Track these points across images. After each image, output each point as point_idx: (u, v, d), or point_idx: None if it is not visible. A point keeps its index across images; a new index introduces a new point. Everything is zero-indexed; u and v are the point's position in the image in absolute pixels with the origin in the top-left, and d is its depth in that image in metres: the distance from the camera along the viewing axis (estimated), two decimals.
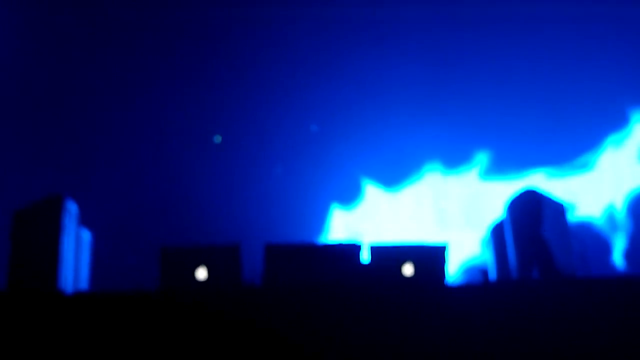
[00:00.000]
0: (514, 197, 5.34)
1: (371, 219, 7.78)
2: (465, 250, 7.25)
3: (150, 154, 7.83)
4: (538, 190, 5.30)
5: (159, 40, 7.90)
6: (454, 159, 7.97)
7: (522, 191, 5.33)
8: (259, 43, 8.11)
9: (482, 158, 7.95)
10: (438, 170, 7.87)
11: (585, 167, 7.89)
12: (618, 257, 7.59)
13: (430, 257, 5.03)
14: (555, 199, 5.47)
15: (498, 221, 5.52)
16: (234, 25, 8.08)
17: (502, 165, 7.88)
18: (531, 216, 5.22)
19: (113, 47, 7.87)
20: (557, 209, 5.42)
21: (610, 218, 7.74)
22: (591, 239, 7.52)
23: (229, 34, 8.07)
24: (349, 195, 7.85)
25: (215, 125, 7.87)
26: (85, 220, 5.58)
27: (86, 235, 5.59)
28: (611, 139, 7.89)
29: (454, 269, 5.62)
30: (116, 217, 7.48)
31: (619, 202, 7.77)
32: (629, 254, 7.58)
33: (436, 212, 7.88)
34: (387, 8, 8.10)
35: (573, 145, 7.98)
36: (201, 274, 5.05)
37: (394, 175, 7.87)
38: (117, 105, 7.83)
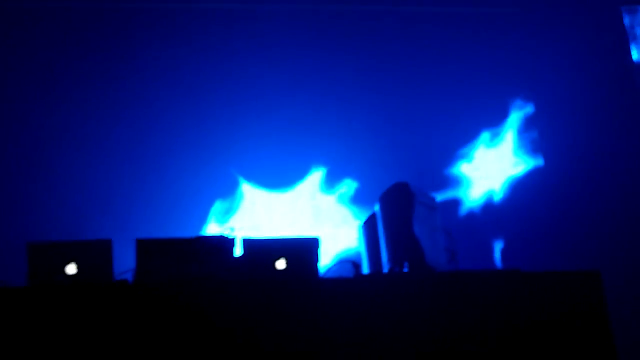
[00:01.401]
0: (385, 190, 5.40)
1: (248, 216, 7.78)
2: (340, 244, 7.32)
3: (19, 148, 7.68)
4: (409, 185, 5.36)
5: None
6: (335, 162, 8.03)
7: (393, 185, 5.39)
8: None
9: (360, 159, 8.03)
10: (320, 171, 7.93)
11: (464, 159, 8.04)
12: (496, 251, 7.78)
13: (302, 250, 5.05)
14: (426, 194, 5.55)
15: (370, 214, 5.57)
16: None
17: (381, 165, 7.97)
18: (401, 210, 5.28)
19: None
20: (428, 204, 5.51)
21: (489, 211, 7.93)
22: (468, 234, 7.68)
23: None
24: (227, 194, 7.84)
25: (84, 117, 7.74)
26: None
27: None
28: (488, 131, 8.07)
29: (327, 263, 5.66)
30: None
31: (497, 193, 7.96)
32: (505, 249, 7.76)
33: (313, 209, 7.92)
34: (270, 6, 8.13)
35: (451, 138, 8.13)
36: (71, 269, 4.96)
37: (274, 176, 7.90)
38: None
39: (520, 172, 8.08)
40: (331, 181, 8.00)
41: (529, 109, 8.29)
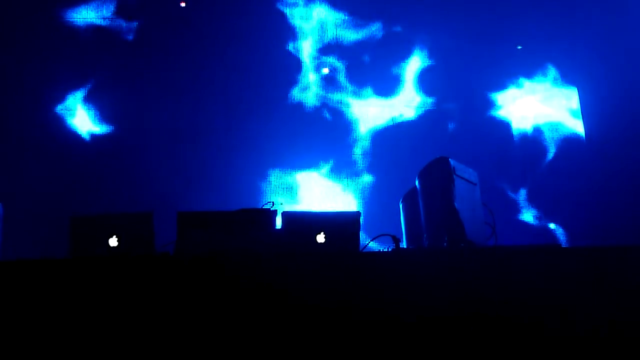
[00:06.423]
0: (425, 165, 5.37)
1: (291, 193, 7.82)
2: (381, 218, 7.31)
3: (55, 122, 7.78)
4: (449, 159, 5.33)
5: None
6: (377, 137, 8.05)
7: (433, 160, 5.36)
8: None
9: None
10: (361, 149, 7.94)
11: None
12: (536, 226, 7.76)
13: (343, 224, 5.03)
14: (466, 168, 5.52)
15: (410, 189, 5.55)
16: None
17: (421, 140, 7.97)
18: (441, 185, 5.25)
19: None
20: (468, 179, 5.48)
21: (530, 183, 7.93)
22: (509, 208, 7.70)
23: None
24: (270, 171, 7.89)
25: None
26: None
27: None
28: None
29: (368, 237, 5.65)
30: (26, 187, 7.40)
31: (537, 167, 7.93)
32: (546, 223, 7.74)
33: (355, 186, 7.94)
34: None
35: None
36: (113, 242, 4.99)
37: (318, 157, 7.97)
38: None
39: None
40: (372, 158, 8.02)
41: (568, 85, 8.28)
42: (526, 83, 8.36)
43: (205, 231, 4.98)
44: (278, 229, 5.03)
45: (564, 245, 7.33)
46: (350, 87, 8.24)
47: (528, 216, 7.95)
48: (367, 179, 7.99)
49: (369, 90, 8.27)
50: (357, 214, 5.12)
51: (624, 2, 8.27)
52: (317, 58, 8.27)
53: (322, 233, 5.00)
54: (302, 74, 8.22)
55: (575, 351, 4.76)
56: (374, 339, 4.75)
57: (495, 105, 8.25)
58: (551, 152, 8.15)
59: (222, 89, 8.01)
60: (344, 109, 8.16)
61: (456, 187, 5.27)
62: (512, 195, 7.97)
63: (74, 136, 7.79)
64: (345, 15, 8.37)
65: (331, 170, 7.95)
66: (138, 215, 5.10)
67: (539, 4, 8.38)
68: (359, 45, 8.34)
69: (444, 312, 4.81)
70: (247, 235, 4.96)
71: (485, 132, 8.16)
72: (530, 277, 4.91)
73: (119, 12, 8.10)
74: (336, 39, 8.30)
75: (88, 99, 7.88)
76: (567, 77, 8.36)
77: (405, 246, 5.54)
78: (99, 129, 7.83)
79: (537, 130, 8.27)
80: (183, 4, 8.14)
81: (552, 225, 7.86)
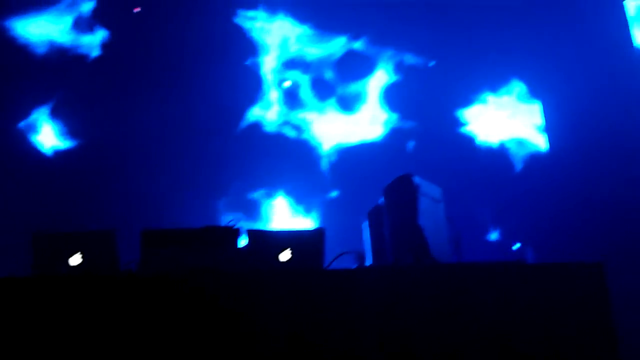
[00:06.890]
0: (390, 183, 5.38)
1: (255, 212, 7.80)
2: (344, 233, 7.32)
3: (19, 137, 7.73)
4: (413, 177, 5.34)
5: None
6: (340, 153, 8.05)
7: (398, 177, 5.36)
8: None
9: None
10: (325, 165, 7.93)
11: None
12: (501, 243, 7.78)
13: (307, 242, 5.02)
14: (431, 185, 5.53)
15: (374, 206, 5.56)
16: None
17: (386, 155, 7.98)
18: (405, 202, 5.26)
19: None
20: (433, 196, 5.49)
21: (491, 201, 7.96)
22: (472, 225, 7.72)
23: None
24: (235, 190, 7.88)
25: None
26: None
27: None
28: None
29: (332, 254, 5.65)
30: None
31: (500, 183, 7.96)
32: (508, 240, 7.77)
33: (320, 203, 7.94)
34: None
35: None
36: (75, 260, 4.95)
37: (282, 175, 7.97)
38: None
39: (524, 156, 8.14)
40: (337, 175, 8.02)
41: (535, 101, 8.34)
42: (491, 99, 8.40)
43: (168, 249, 4.95)
44: (242, 247, 5.02)
45: (529, 262, 7.36)
46: (313, 103, 8.23)
47: (493, 234, 7.98)
48: (331, 195, 7.99)
49: (332, 106, 8.27)
50: (321, 230, 5.11)
51: (589, 17, 8.36)
52: (280, 73, 8.27)
53: (286, 250, 4.98)
54: (264, 90, 8.21)
55: None
56: (339, 356, 4.74)
57: (460, 121, 8.28)
58: (517, 168, 8.19)
59: (184, 106, 7.99)
60: (307, 126, 8.16)
61: (420, 204, 5.28)
62: (477, 212, 8.00)
63: (37, 153, 7.73)
64: (309, 29, 8.37)
65: (294, 188, 7.93)
66: (101, 233, 5.05)
67: (504, 19, 8.44)
68: (322, 60, 8.34)
69: (408, 328, 4.81)
70: (210, 253, 4.93)
71: (450, 148, 8.17)
72: (495, 293, 4.92)
73: (76, 27, 8.04)
74: (299, 54, 8.31)
75: (51, 116, 7.82)
76: (532, 93, 8.41)
77: (370, 263, 5.54)
78: (62, 144, 7.77)
79: (503, 147, 8.30)
80: (137, 9, 8.10)
81: (517, 243, 7.89)
